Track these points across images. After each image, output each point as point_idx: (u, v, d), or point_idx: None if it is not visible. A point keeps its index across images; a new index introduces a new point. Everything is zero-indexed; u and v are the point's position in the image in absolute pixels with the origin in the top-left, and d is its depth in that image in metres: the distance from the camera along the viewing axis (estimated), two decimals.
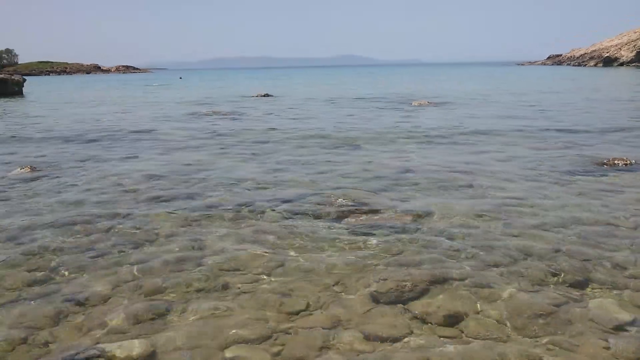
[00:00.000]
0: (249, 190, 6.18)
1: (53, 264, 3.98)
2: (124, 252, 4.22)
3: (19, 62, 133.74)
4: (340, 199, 5.55)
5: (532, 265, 3.78)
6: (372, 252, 4.11)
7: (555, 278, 3.57)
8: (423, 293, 3.35)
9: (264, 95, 23.28)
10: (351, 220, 5.01)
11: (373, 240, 4.38)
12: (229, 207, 5.43)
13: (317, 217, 5.10)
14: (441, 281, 3.51)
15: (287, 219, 5.06)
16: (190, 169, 7.40)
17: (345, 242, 4.37)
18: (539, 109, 15.45)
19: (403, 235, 4.48)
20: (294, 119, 14.01)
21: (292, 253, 4.16)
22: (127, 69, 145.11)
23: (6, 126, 13.30)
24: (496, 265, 3.78)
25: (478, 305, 3.20)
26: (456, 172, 6.88)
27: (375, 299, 3.30)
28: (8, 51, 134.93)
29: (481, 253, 4.01)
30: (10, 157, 8.65)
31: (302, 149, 8.94)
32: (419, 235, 4.47)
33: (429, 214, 5.09)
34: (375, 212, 5.20)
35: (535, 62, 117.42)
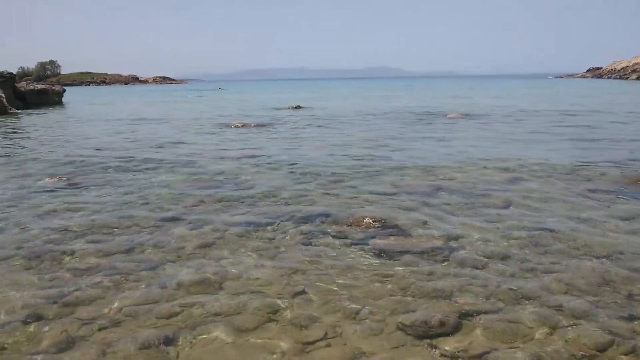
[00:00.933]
0: (270, 206, 6.01)
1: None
2: (139, 272, 4.09)
3: (61, 73, 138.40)
4: (367, 219, 5.30)
5: (573, 299, 3.46)
6: (399, 278, 3.86)
7: (599, 312, 3.24)
8: (454, 328, 3.08)
9: (296, 107, 23.24)
10: (378, 241, 4.76)
11: (400, 266, 4.13)
12: (248, 225, 5.27)
13: (342, 237, 4.88)
14: (473, 315, 3.23)
15: (309, 239, 4.85)
16: (212, 182, 7.29)
17: (371, 266, 4.13)
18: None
19: (433, 261, 4.21)
20: (322, 130, 13.85)
21: (312, 277, 3.94)
22: (164, 79, 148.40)
23: (39, 135, 13.59)
24: (533, 299, 3.47)
25: (513, 343, 2.91)
26: (491, 191, 6.55)
27: (401, 332, 3.05)
28: (52, 62, 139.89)
29: (517, 284, 3.70)
30: (40, 165, 8.74)
31: (328, 163, 8.73)
32: (450, 262, 4.19)
33: (461, 237, 4.79)
34: (404, 233, 4.95)
35: (575, 74, 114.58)
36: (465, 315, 3.24)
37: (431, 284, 3.73)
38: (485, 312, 3.27)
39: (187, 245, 4.72)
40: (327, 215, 5.58)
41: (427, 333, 3.03)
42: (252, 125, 15.30)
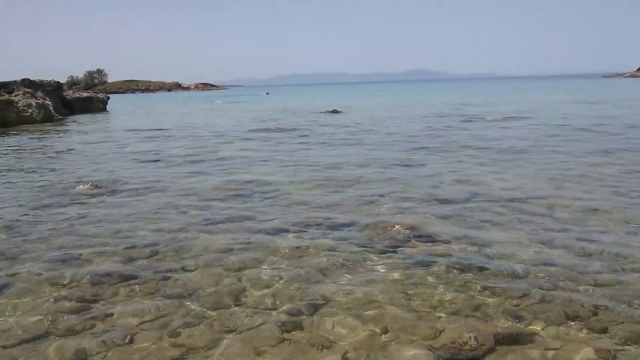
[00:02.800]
0: (298, 212, 5.83)
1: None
2: (164, 279, 3.97)
3: (108, 81, 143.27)
4: (397, 226, 5.04)
5: (618, 320, 3.11)
6: (428, 293, 3.58)
7: None
8: (487, 353, 2.80)
9: (332, 112, 23.10)
10: (407, 249, 4.51)
11: (431, 277, 3.86)
12: (274, 231, 5.11)
13: (370, 244, 4.65)
14: (510, 339, 2.93)
15: (336, 245, 4.64)
16: (246, 190, 7.16)
17: (398, 278, 3.88)
18: None
19: (466, 275, 3.91)
20: (356, 135, 13.61)
21: (335, 287, 3.73)
22: (205, 86, 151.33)
23: (80, 141, 13.90)
24: (577, 319, 3.14)
25: None
26: (532, 199, 6.15)
27: (429, 355, 2.79)
28: (99, 71, 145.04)
29: (558, 303, 3.37)
30: (78, 171, 8.85)
31: (362, 168, 8.49)
32: (485, 276, 3.88)
33: (497, 247, 4.48)
34: (436, 241, 4.67)
35: (624, 74, 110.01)
36: (503, 337, 2.94)
37: (465, 298, 3.45)
38: (526, 335, 2.97)
39: (209, 248, 4.60)
40: (355, 222, 5.36)
41: (458, 356, 2.76)
42: (288, 129, 15.22)
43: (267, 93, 72.37)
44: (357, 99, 44.76)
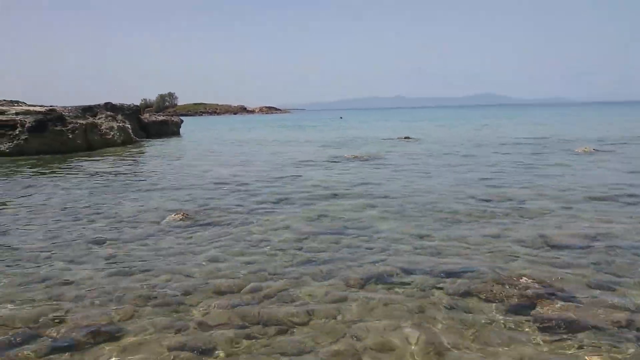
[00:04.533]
0: (403, 255, 5.40)
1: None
2: (279, 333, 3.66)
3: (178, 104, 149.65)
4: (524, 278, 4.53)
5: None
6: None
7: None
8: None
9: (405, 138, 22.60)
10: (541, 310, 3.98)
11: (577, 348, 3.33)
12: (380, 279, 4.72)
13: (494, 300, 4.16)
14: None
15: (453, 299, 4.20)
16: (337, 225, 6.83)
17: (537, 344, 3.38)
18: None
19: (617, 347, 3.35)
20: (441, 165, 13.07)
21: (455, 351, 3.28)
22: (270, 109, 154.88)
23: (161, 165, 14.17)
24: None
25: None
26: None
27: None
28: (170, 94, 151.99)
29: None
30: (163, 199, 8.88)
31: (460, 204, 7.97)
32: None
33: None
34: (573, 300, 4.12)
35: None
36: None
37: None
38: None
39: (313, 301, 4.26)
40: (471, 270, 4.88)
41: None
42: (364, 157, 14.88)
43: (341, 117, 74.14)
44: (425, 124, 44.00)
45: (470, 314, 3.95)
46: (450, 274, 4.78)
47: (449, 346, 3.41)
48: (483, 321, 3.81)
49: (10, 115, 19.65)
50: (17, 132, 18.99)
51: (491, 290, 4.37)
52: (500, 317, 3.88)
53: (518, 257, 5.27)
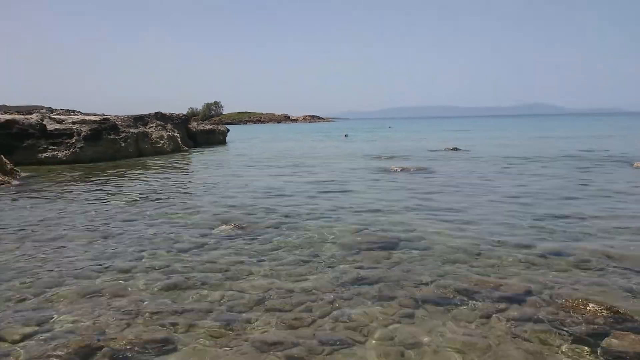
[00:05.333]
0: (458, 276, 5.21)
1: None
2: (330, 353, 3.58)
3: (223, 113, 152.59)
4: (591, 305, 4.28)
5: None
6: None
7: None
8: None
9: (453, 149, 22.16)
10: (613, 342, 3.73)
11: None
12: (437, 298, 4.57)
13: (558, 328, 3.94)
14: None
15: (514, 326, 4.00)
16: (389, 240, 6.69)
17: None
18: None
19: None
20: (488, 176, 12.71)
21: None
22: (313, 118, 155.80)
23: (210, 174, 14.40)
24: None
25: None
26: None
27: None
28: (216, 103, 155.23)
29: None
30: (213, 207, 8.98)
31: (515, 220, 7.69)
32: None
33: None
34: None
35: None
36: None
37: None
38: None
39: (372, 323, 4.15)
40: (532, 294, 4.66)
41: None
42: (412, 169, 14.66)
43: (390, 127, 74.75)
44: (472, 134, 43.12)
45: (532, 343, 3.75)
46: (510, 299, 4.58)
47: None
48: (546, 352, 3.61)
49: (68, 124, 20.47)
50: (74, 141, 19.75)
51: (555, 318, 4.16)
52: (566, 348, 3.67)
53: (583, 280, 5.01)
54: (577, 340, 3.79)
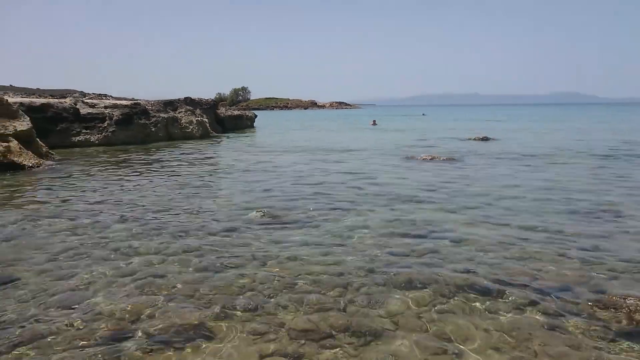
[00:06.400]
0: (492, 266, 5.12)
1: None
2: (364, 345, 3.57)
3: (250, 98, 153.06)
4: (630, 299, 4.15)
5: None
6: None
7: None
8: None
9: (482, 139, 21.75)
10: None
11: None
12: (469, 290, 4.49)
13: (597, 323, 3.83)
14: None
15: (552, 321, 3.91)
16: (420, 228, 6.62)
17: None
18: None
19: None
20: (518, 168, 12.44)
21: None
22: (340, 104, 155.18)
23: (239, 160, 14.49)
24: None
25: None
26: None
27: None
28: (243, 89, 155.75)
29: None
30: (243, 195, 9.02)
31: (548, 213, 7.52)
32: None
33: None
34: None
35: None
36: None
37: None
38: None
39: (405, 311, 4.11)
40: (568, 287, 4.55)
41: None
42: (441, 158, 14.47)
43: (424, 114, 74.81)
44: (503, 123, 42.27)
45: (571, 336, 3.67)
46: (545, 291, 4.48)
47: None
48: (586, 345, 3.52)
49: (100, 109, 20.84)
50: (106, 125, 20.11)
51: (593, 312, 4.05)
52: (606, 342, 3.57)
53: (620, 274, 4.87)
54: (619, 335, 3.68)
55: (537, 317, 3.99)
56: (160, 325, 3.84)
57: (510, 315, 4.03)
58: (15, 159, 12.31)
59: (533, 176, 11.25)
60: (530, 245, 5.82)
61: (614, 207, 7.87)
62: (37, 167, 12.68)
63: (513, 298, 4.33)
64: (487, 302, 4.27)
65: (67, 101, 21.21)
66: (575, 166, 12.96)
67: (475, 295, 4.41)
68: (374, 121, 41.72)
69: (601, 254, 5.52)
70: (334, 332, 3.76)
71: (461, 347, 3.53)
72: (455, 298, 4.37)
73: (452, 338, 3.66)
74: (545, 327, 3.81)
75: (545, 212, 7.52)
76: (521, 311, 4.11)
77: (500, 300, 4.32)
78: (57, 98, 25.14)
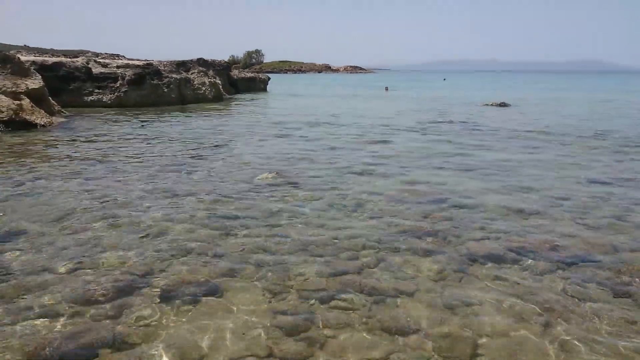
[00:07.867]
0: (510, 234, 4.97)
1: None
2: (376, 303, 3.47)
3: (264, 61, 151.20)
4: None
5: None
6: None
7: None
8: None
9: (500, 105, 21.29)
10: None
11: None
12: (489, 258, 4.36)
13: (621, 294, 3.70)
14: None
15: (573, 286, 3.79)
16: (436, 195, 6.46)
17: None
18: None
19: None
20: (541, 139, 12.12)
21: (581, 346, 2.94)
22: (354, 69, 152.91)
23: (251, 123, 14.29)
24: None
25: None
26: None
27: None
28: (257, 51, 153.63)
29: None
30: (258, 160, 8.86)
31: (566, 179, 7.31)
32: None
33: None
34: None
35: None
36: None
37: None
38: None
39: (419, 275, 4.00)
40: (590, 257, 4.40)
41: None
42: (458, 123, 14.16)
43: (445, 79, 74.91)
44: (521, 90, 41.36)
45: (592, 303, 3.54)
46: (567, 261, 4.33)
47: (576, 342, 3.06)
48: (607, 313, 3.39)
49: (112, 68, 20.62)
50: (118, 85, 19.93)
51: (615, 281, 3.91)
52: (625, 311, 3.44)
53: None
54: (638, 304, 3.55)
55: (558, 284, 3.86)
56: (168, 280, 3.78)
57: (528, 281, 3.91)
58: (27, 117, 12.25)
59: (549, 145, 10.95)
60: (552, 214, 5.66)
61: (633, 175, 7.63)
62: (49, 125, 12.62)
63: (532, 265, 4.21)
64: (505, 269, 4.15)
65: (80, 60, 21.01)
66: (591, 133, 12.61)
67: (492, 262, 4.29)
68: (386, 88, 40.99)
69: (622, 224, 5.34)
70: (344, 291, 3.67)
71: (476, 312, 3.42)
72: (472, 264, 4.25)
73: (466, 303, 3.54)
74: (568, 295, 3.68)
75: (569, 182, 7.31)
76: (541, 277, 3.98)
77: (518, 266, 4.20)
78: (69, 57, 24.94)
